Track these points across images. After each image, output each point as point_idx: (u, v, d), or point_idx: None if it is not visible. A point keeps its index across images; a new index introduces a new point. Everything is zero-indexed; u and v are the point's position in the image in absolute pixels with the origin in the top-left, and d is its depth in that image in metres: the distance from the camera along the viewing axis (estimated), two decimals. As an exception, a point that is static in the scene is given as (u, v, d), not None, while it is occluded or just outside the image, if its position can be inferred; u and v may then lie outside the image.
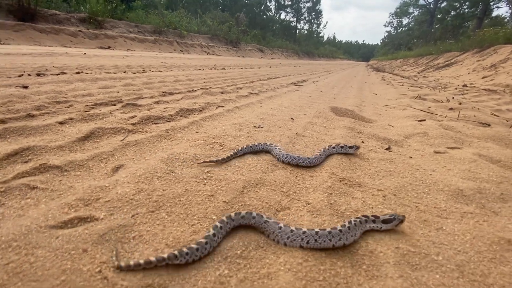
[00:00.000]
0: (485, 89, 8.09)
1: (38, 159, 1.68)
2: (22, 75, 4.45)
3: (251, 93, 4.90)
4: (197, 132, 2.54)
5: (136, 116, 2.64)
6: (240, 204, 1.37)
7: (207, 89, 4.76)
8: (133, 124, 2.48)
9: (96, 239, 1.03)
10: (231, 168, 1.79)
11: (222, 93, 4.54)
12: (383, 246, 1.23)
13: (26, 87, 3.76)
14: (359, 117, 3.90)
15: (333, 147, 2.21)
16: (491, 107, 5.31)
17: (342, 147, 2.23)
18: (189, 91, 4.33)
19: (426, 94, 7.16)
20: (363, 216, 1.28)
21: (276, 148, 2.06)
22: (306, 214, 1.36)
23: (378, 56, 62.16)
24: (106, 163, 1.77)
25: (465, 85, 9.23)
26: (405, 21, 59.86)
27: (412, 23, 54.94)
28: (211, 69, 9.10)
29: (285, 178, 1.75)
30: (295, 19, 50.50)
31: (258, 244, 1.11)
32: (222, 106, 3.67)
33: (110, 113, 2.69)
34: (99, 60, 8.20)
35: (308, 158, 1.98)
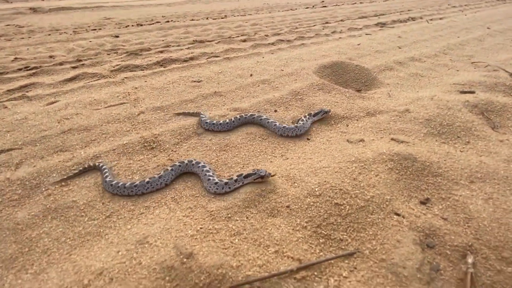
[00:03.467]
0: None
1: (30, 92, 2.84)
2: (128, 26, 6.16)
3: (282, 40, 4.51)
4: (145, 81, 3.05)
5: (120, 64, 3.43)
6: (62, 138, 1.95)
7: (238, 36, 4.82)
8: (111, 71, 3.30)
9: (-35, 138, 1.98)
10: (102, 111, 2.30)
11: (244, 41, 4.51)
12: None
13: (117, 37, 5.33)
14: (364, 79, 2.97)
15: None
16: None
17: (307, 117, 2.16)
18: (208, 40, 4.62)
19: None
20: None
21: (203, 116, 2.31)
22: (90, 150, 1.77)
23: None
24: (54, 98, 2.72)
25: None
26: None
27: None
28: (307, 8, 8.34)
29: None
30: None
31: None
32: (217, 57, 3.82)
33: (110, 60, 3.62)
34: (211, 6, 9.36)
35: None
